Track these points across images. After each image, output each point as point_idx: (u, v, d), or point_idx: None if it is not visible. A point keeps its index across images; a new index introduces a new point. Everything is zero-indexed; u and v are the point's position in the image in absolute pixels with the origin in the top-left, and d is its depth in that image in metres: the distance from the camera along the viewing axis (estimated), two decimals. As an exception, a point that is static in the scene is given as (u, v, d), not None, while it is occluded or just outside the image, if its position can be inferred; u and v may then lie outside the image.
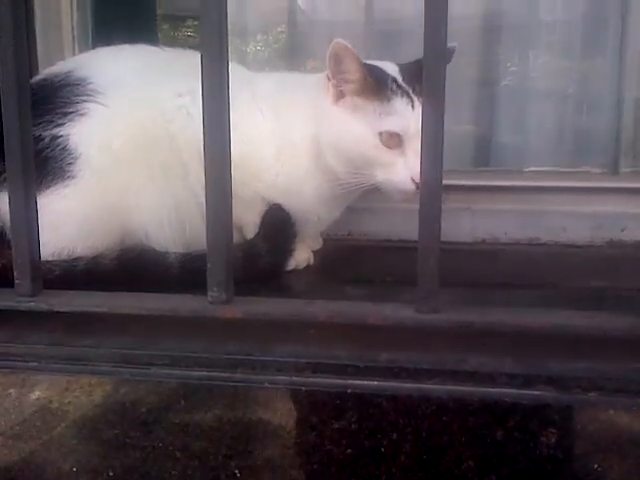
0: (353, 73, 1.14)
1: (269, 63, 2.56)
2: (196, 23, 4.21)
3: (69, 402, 1.36)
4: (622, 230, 1.53)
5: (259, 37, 2.57)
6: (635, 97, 1.89)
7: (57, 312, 0.87)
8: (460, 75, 2.05)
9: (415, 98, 1.14)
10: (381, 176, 1.16)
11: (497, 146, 2.25)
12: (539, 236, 1.57)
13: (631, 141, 1.86)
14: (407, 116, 1.13)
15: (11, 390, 1.39)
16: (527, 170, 2.04)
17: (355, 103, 1.16)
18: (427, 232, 0.77)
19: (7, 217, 1.05)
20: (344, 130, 1.18)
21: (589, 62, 2.22)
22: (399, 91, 1.15)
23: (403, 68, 1.20)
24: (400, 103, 1.14)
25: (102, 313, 0.86)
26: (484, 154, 2.23)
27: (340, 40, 1.11)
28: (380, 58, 1.26)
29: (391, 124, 1.14)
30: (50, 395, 1.38)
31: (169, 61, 1.28)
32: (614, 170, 1.88)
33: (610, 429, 1.04)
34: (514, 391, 0.76)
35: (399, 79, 1.17)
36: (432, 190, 0.76)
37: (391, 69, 1.20)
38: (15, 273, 0.87)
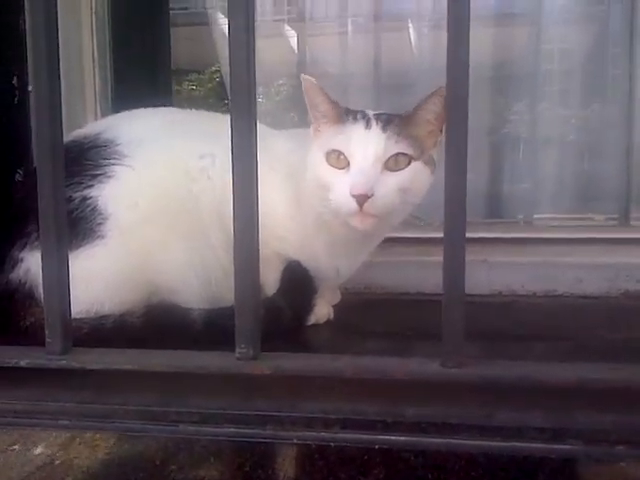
0: (322, 104, 1.16)
1: (272, 115, 2.63)
2: (198, 77, 4.34)
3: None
4: (638, 281, 1.54)
5: (260, 89, 2.64)
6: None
7: (86, 369, 0.88)
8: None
9: (373, 122, 1.13)
10: (331, 198, 1.14)
11: (507, 196, 2.29)
12: (555, 288, 1.59)
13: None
14: (354, 135, 1.12)
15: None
16: (537, 218, 2.08)
17: (322, 131, 1.18)
18: (452, 286, 0.79)
19: (35, 276, 1.10)
20: (309, 159, 1.20)
21: (598, 109, 2.26)
22: (360, 117, 1.14)
23: (384, 113, 1.19)
24: (353, 125, 1.14)
25: (130, 370, 0.88)
26: (494, 204, 2.26)
27: (306, 76, 1.15)
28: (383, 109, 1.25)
29: (336, 143, 1.14)
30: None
31: (193, 123, 1.33)
32: (625, 220, 1.91)
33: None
34: (543, 445, 0.76)
35: (370, 113, 1.17)
36: (456, 243, 0.78)
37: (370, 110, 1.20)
38: (46, 332, 0.88)
